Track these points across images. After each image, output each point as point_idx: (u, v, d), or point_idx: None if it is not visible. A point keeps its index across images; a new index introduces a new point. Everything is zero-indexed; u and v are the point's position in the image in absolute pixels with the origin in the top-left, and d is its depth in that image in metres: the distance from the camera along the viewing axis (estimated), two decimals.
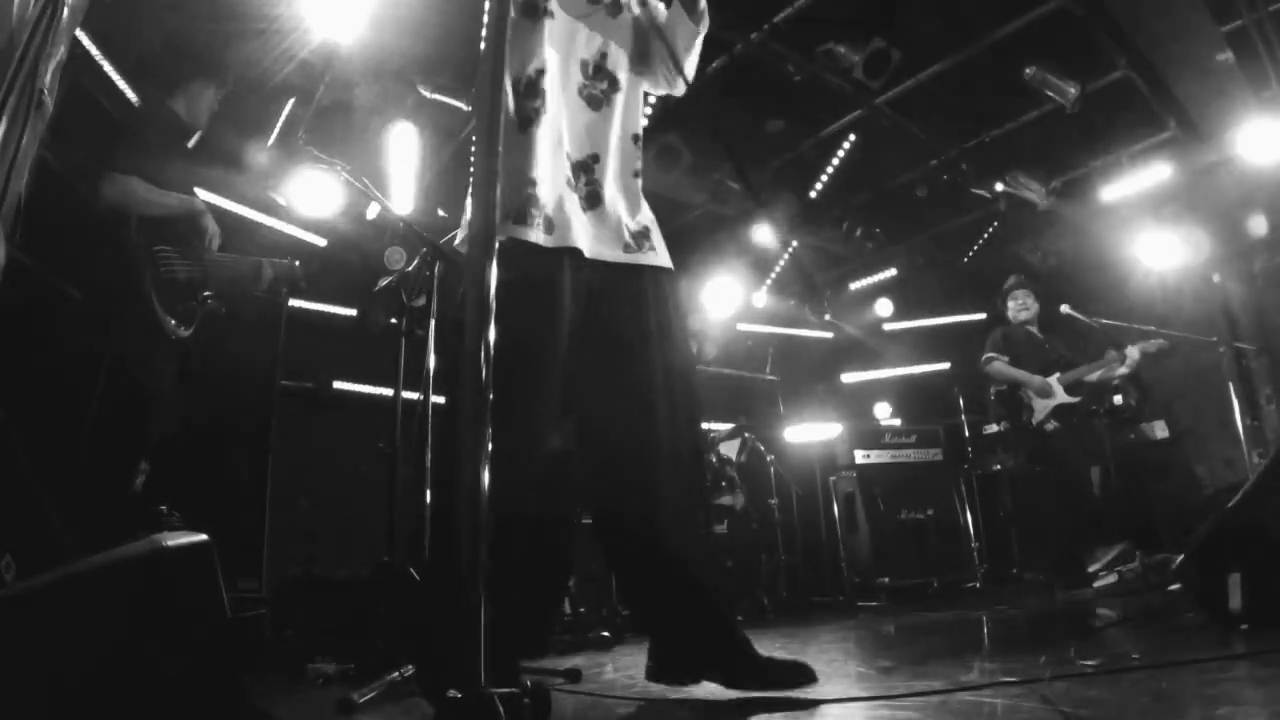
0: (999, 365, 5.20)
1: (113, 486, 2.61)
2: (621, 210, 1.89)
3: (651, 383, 1.82)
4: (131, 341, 2.65)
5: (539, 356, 1.69)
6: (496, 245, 1.11)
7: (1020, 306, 5.30)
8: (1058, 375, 4.98)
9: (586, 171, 1.84)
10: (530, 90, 1.74)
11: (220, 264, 2.99)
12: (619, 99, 1.90)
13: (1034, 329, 5.28)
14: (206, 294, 2.86)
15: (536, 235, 1.69)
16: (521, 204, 1.69)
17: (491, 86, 1.17)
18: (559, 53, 1.81)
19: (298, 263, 3.28)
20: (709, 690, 1.76)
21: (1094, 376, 4.96)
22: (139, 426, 2.67)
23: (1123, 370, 4.94)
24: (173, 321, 2.71)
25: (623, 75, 1.92)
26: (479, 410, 1.02)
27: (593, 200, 1.84)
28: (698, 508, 2.01)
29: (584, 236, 1.78)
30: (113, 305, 2.70)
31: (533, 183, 1.70)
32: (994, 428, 5.72)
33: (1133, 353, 4.86)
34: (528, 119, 1.73)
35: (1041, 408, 4.99)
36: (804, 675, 1.69)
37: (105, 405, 2.65)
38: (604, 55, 1.89)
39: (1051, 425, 4.95)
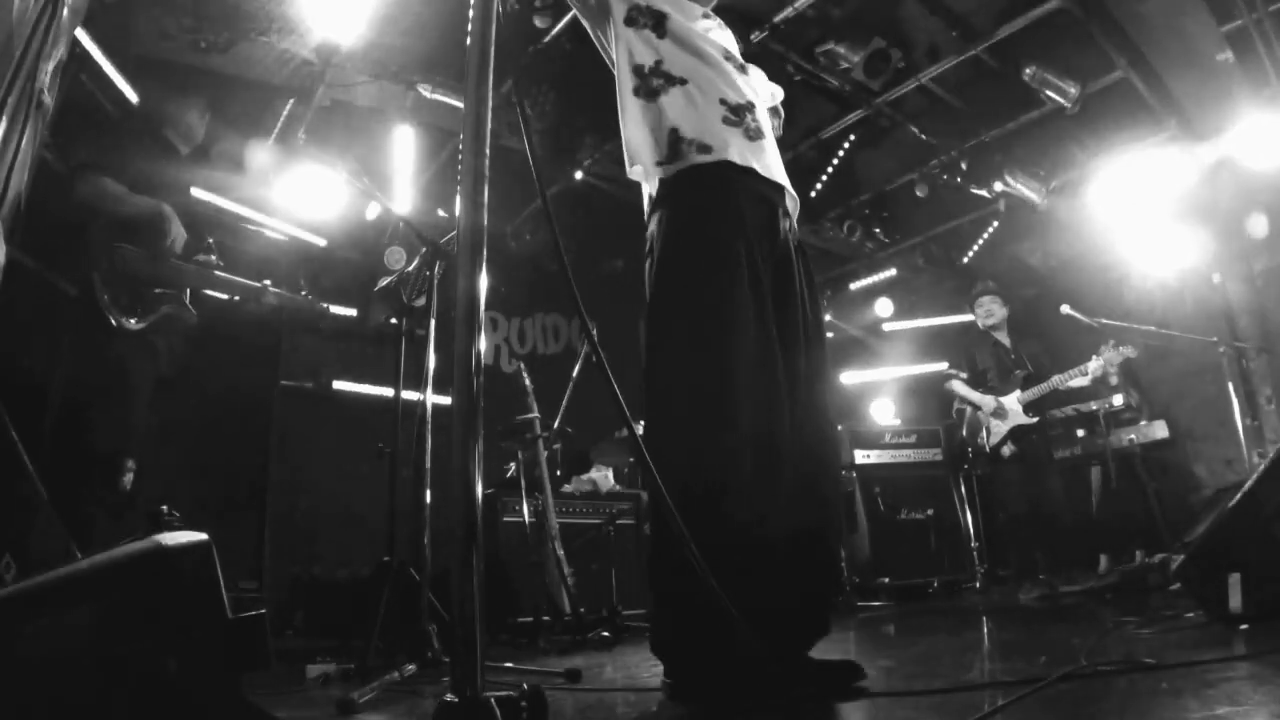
0: (956, 385, 5.16)
1: (93, 482, 2.62)
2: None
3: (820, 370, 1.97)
4: (86, 333, 2.70)
5: (732, 283, 1.80)
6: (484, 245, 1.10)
7: (986, 314, 5.23)
8: (1018, 393, 4.91)
9: (749, 111, 2.04)
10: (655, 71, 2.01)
11: (206, 277, 3.04)
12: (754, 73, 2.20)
13: (1003, 336, 5.20)
14: (160, 291, 2.87)
15: (686, 162, 1.91)
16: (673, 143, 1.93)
17: (478, 82, 1.16)
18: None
19: (325, 306, 3.36)
20: None
21: (1062, 388, 4.88)
22: (107, 418, 2.69)
23: (1082, 381, 4.86)
24: (125, 317, 2.72)
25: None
26: (470, 412, 1.01)
27: (756, 134, 2.03)
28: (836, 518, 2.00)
29: (748, 155, 1.97)
30: (72, 299, 2.77)
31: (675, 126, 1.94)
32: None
33: (1095, 366, 4.78)
34: (654, 91, 1.99)
35: (997, 431, 4.92)
36: (854, 674, 1.70)
37: (69, 396, 2.70)
38: (728, 49, 2.16)
39: (1007, 450, 4.89)
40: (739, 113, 2.01)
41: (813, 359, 1.95)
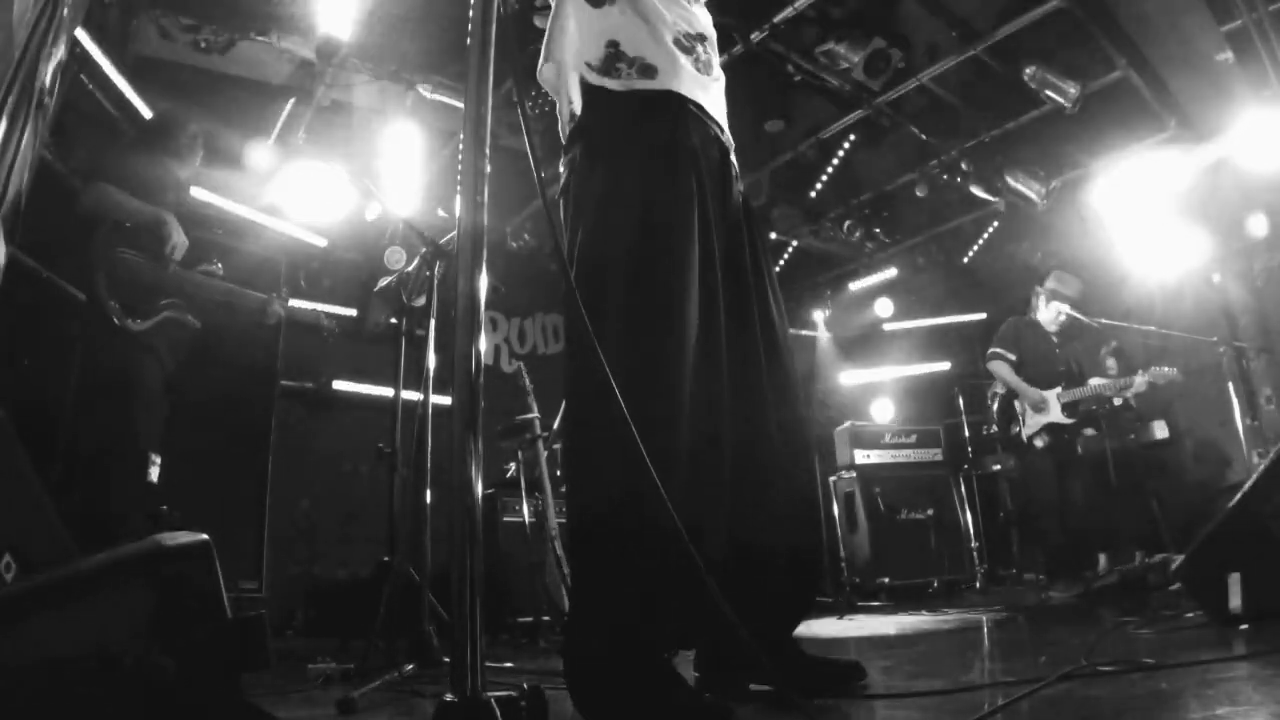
0: (1001, 366, 5.06)
1: (119, 478, 2.70)
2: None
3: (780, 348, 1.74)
4: (93, 335, 2.78)
5: (682, 233, 1.54)
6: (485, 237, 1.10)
7: (1053, 317, 5.08)
8: (1059, 391, 4.87)
9: (700, 43, 1.78)
10: None
11: (209, 286, 3.09)
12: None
13: (1053, 330, 5.13)
14: (162, 298, 2.93)
15: (621, 83, 1.64)
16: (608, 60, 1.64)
17: (478, 82, 1.16)
18: None
19: (321, 313, 3.43)
20: (704, 689, 1.74)
21: (1102, 393, 4.86)
22: (122, 416, 2.74)
23: (1128, 395, 4.84)
24: (128, 319, 2.80)
25: None
26: (470, 412, 1.01)
27: (705, 68, 1.77)
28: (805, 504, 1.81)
29: (697, 90, 1.70)
30: (81, 304, 2.85)
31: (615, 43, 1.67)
32: (994, 429, 5.66)
33: (1140, 382, 4.75)
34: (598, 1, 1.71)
35: (1033, 423, 4.90)
36: (856, 675, 1.65)
37: (82, 398, 2.77)
38: None
39: (1040, 441, 4.86)
40: (690, 40, 1.73)
41: (770, 337, 1.73)
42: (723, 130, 1.79)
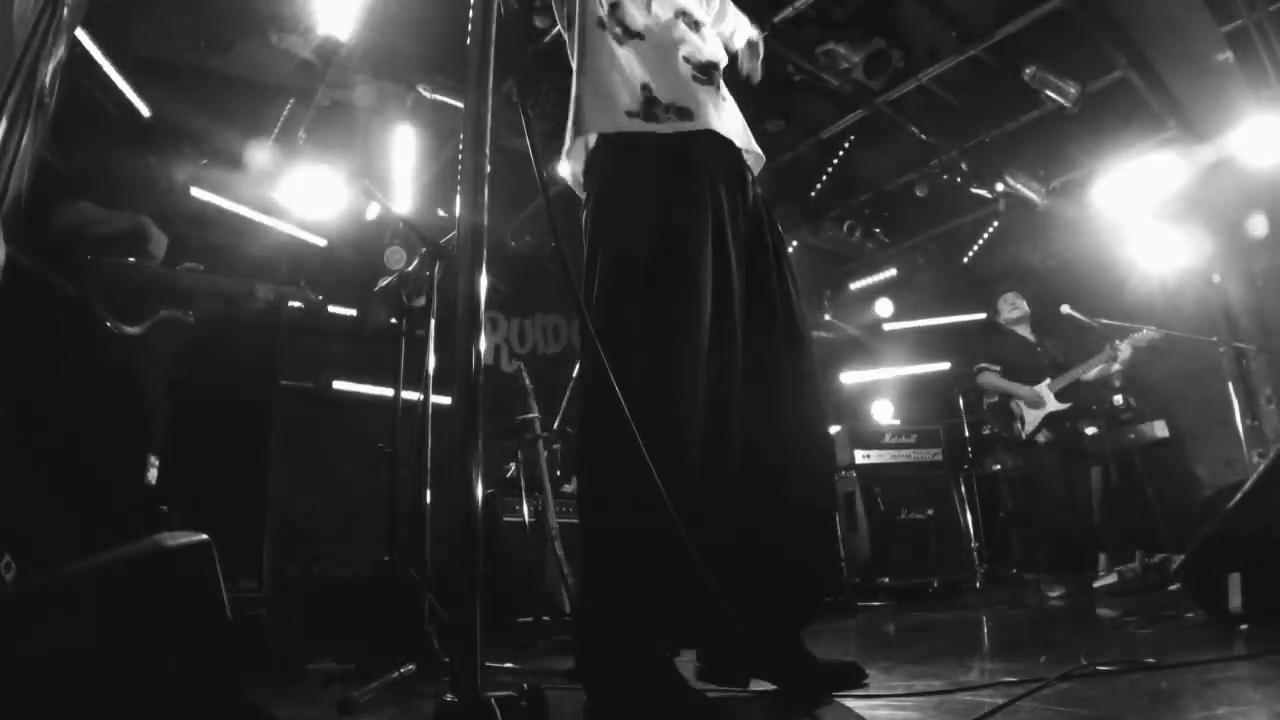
0: (989, 377, 5.14)
1: (117, 480, 2.71)
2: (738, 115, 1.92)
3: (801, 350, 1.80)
4: (87, 339, 2.79)
5: (697, 258, 1.62)
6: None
7: (1010, 307, 5.21)
8: (1048, 381, 4.91)
9: (715, 70, 1.87)
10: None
11: (196, 280, 3.10)
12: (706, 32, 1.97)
13: (1025, 331, 5.20)
14: (154, 298, 2.94)
15: (667, 127, 1.70)
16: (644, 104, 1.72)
17: (478, 82, 1.16)
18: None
19: (319, 297, 3.40)
20: (706, 684, 1.74)
21: (1088, 376, 4.90)
22: (120, 417, 2.77)
23: (1116, 367, 4.87)
24: (122, 324, 2.82)
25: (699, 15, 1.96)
26: (470, 412, 1.01)
27: (723, 95, 1.87)
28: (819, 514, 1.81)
29: (722, 117, 1.80)
30: (67, 312, 2.85)
31: (646, 86, 1.74)
32: (994, 430, 5.67)
33: (1124, 348, 4.78)
34: (617, 38, 1.78)
35: (1033, 419, 4.93)
36: (856, 676, 1.67)
37: (80, 400, 2.77)
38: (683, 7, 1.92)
39: (1042, 436, 4.90)
40: (707, 71, 1.82)
41: (792, 340, 1.79)
42: (746, 150, 1.88)
